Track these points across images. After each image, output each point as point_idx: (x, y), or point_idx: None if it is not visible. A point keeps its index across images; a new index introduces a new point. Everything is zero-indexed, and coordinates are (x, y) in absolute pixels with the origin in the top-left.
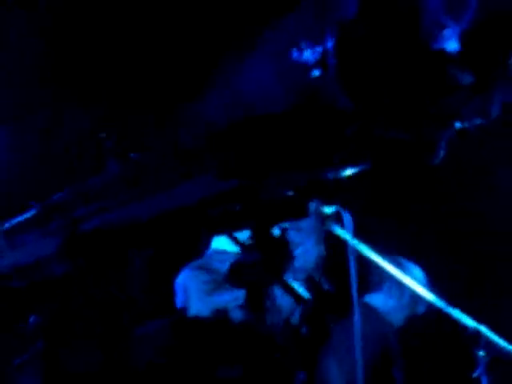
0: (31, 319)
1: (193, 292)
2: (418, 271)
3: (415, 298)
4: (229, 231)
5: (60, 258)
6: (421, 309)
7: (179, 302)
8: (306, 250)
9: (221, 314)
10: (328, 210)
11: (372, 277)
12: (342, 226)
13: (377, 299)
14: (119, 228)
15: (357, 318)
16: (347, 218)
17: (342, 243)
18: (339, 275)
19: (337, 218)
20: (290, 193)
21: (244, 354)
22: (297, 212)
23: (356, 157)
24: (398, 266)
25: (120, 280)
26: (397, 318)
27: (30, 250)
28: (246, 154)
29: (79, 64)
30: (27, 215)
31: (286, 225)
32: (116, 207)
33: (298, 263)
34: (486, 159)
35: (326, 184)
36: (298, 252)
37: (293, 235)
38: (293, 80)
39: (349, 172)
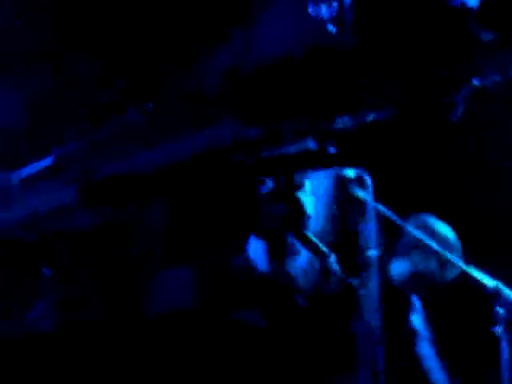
0: (45, 271)
1: None
2: (446, 229)
3: (443, 263)
4: (252, 179)
5: (80, 206)
6: (450, 274)
7: None
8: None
9: (242, 262)
10: (350, 173)
11: (398, 240)
12: (364, 188)
13: (402, 265)
14: (138, 175)
15: (375, 277)
16: (368, 181)
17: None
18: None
19: (359, 182)
20: (311, 143)
21: (264, 298)
22: (317, 162)
23: (374, 105)
24: (424, 227)
25: (141, 228)
26: (422, 283)
27: (47, 199)
28: (268, 98)
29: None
30: (43, 164)
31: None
32: (134, 154)
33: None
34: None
35: (345, 133)
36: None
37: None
38: (309, 34)
39: (366, 119)
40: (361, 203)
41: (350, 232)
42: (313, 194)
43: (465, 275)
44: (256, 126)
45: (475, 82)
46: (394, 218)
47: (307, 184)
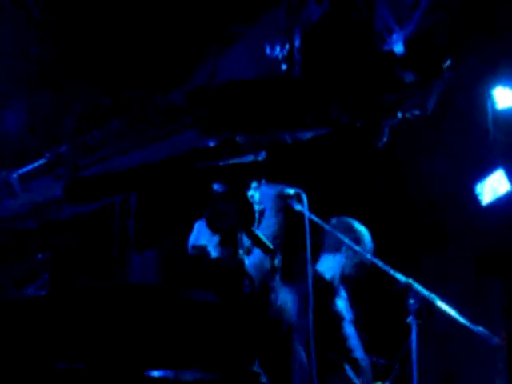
0: (40, 255)
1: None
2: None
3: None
4: (209, 182)
5: (66, 200)
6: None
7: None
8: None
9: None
10: (291, 191)
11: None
12: (301, 203)
13: (331, 260)
14: (115, 173)
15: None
16: (304, 197)
17: (301, 216)
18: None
19: (297, 198)
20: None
21: (215, 280)
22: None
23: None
24: (346, 229)
25: (118, 218)
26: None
27: (40, 193)
28: (226, 115)
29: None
30: (38, 164)
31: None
32: (112, 156)
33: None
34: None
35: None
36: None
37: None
38: (265, 70)
39: (304, 136)
40: (298, 214)
41: (291, 236)
42: (262, 203)
43: (382, 270)
44: (215, 138)
45: (399, 115)
46: (322, 224)
47: (256, 195)
